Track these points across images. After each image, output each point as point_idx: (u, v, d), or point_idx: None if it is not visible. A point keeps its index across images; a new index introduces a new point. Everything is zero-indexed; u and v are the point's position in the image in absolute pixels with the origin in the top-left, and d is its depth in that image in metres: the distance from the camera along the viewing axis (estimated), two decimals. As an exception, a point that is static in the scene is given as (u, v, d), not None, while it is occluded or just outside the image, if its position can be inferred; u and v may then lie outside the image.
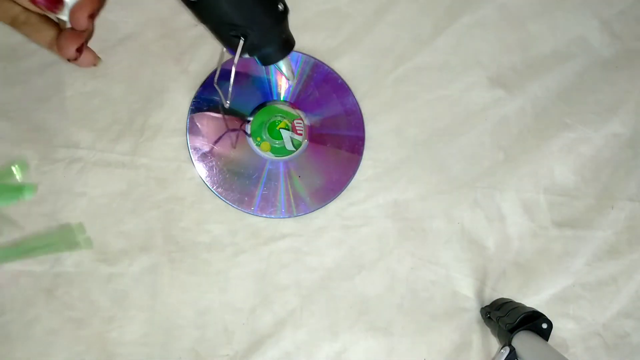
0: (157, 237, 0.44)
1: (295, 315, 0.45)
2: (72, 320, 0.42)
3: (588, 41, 0.52)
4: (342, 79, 0.48)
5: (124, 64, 0.46)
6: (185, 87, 0.47)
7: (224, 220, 0.45)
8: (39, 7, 0.28)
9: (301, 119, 0.47)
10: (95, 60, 0.32)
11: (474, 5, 0.51)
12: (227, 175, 0.45)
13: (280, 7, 0.34)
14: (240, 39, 0.33)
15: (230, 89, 0.37)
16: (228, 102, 0.39)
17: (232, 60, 0.35)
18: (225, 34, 0.33)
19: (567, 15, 0.52)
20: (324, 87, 0.48)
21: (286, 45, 0.37)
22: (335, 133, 0.48)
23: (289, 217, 0.46)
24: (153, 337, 0.43)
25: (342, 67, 0.49)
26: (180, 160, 0.46)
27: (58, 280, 0.43)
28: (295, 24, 0.49)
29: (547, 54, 0.52)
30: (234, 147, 0.46)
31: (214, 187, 0.45)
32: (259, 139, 0.46)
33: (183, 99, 0.47)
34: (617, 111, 0.51)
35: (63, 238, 0.43)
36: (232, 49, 0.34)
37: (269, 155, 0.46)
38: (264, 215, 0.45)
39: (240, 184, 0.45)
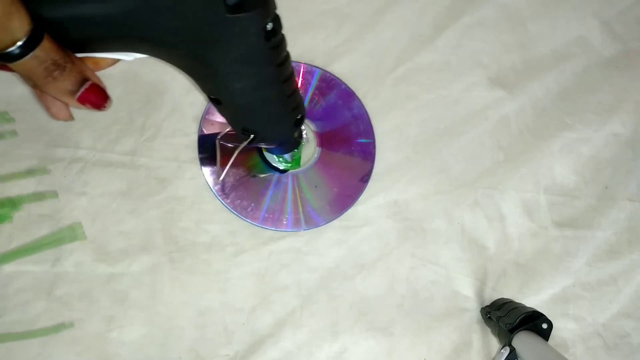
0: (157, 237, 0.44)
1: (295, 315, 0.44)
2: (72, 320, 0.42)
3: (588, 41, 0.52)
4: (345, 85, 0.48)
5: (124, 64, 0.46)
6: (185, 87, 0.47)
7: (224, 220, 0.45)
8: (85, 107, 0.26)
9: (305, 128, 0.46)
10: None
11: (474, 5, 0.51)
12: (238, 187, 0.45)
13: (299, 116, 0.32)
14: (249, 136, 0.32)
15: (224, 173, 0.38)
16: (221, 178, 0.41)
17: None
18: (238, 131, 0.32)
19: (567, 15, 0.53)
20: (328, 94, 0.48)
21: (293, 144, 0.36)
22: (345, 141, 0.47)
23: (297, 230, 0.45)
24: (153, 337, 0.43)
25: (343, 67, 0.49)
26: (180, 160, 0.46)
27: (58, 280, 0.43)
28: (295, 24, 0.50)
29: (547, 54, 0.52)
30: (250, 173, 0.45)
31: (223, 198, 0.44)
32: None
33: (183, 99, 0.47)
34: (617, 111, 0.51)
35: (59, 239, 0.43)
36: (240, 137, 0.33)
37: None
38: (272, 229, 0.45)
39: (248, 195, 0.45)
